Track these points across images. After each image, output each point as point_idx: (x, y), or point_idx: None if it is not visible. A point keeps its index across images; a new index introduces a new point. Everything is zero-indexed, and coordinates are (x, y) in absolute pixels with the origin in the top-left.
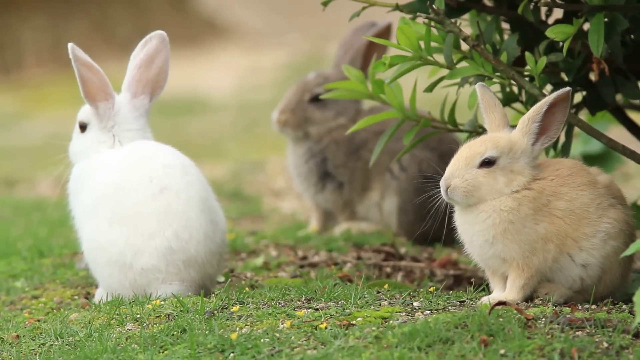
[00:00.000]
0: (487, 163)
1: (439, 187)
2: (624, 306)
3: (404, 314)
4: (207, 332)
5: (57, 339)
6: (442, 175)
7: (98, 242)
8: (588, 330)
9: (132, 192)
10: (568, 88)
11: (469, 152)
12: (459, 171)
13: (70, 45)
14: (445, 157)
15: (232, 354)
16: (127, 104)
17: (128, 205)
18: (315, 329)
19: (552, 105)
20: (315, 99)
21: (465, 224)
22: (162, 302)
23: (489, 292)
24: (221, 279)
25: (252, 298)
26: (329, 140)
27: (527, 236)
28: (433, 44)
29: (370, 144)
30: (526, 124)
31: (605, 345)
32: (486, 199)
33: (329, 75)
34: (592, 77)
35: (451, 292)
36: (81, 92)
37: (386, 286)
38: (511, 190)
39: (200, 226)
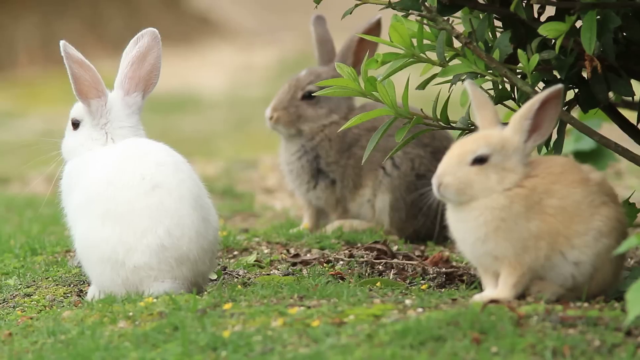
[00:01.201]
0: (480, 160)
1: (432, 185)
2: (616, 304)
3: (396, 311)
4: (199, 330)
5: (50, 336)
6: (434, 173)
7: (90, 240)
8: (580, 328)
9: (124, 190)
10: (560, 85)
11: (461, 149)
12: (451, 168)
13: (62, 42)
14: (437, 153)
15: (224, 352)
16: (119, 101)
17: (120, 202)
18: (308, 326)
19: (544, 103)
20: (308, 97)
21: (457, 222)
22: (155, 300)
23: (481, 290)
24: (213, 276)
25: (245, 296)
26: (321, 138)
27: (519, 234)
28: (425, 41)
29: (362, 141)
30: (518, 121)
31: (597, 343)
32: (478, 196)
33: (321, 72)
34: (585, 74)
35: (443, 289)
36: (73, 90)
37: (378, 284)
38: (503, 188)
39: (193, 223)
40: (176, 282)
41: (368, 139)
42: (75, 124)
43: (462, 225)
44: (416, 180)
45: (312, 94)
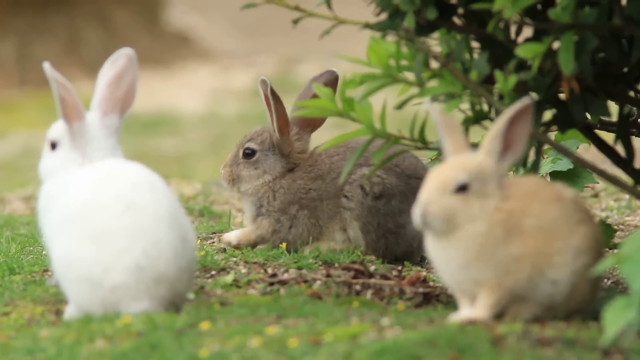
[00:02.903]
0: (461, 189)
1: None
2: (594, 324)
3: (373, 331)
4: (177, 349)
5: (28, 355)
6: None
7: (67, 260)
8: (557, 348)
9: (99, 210)
10: (528, 100)
11: (441, 177)
12: (435, 197)
13: (46, 65)
14: (389, 170)
15: None
16: (97, 122)
17: (96, 222)
18: (285, 346)
19: (512, 120)
20: (247, 155)
21: (438, 250)
22: (133, 319)
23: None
24: (191, 296)
25: (222, 315)
26: (264, 191)
27: (500, 258)
28: (403, 62)
29: (312, 192)
30: (489, 142)
31: None
32: (462, 225)
33: (265, 129)
34: (562, 95)
35: (421, 309)
36: (60, 112)
37: (356, 304)
38: (486, 214)
39: (170, 243)
40: (154, 302)
41: (318, 189)
42: (54, 145)
43: (443, 254)
44: (376, 203)
45: (249, 153)
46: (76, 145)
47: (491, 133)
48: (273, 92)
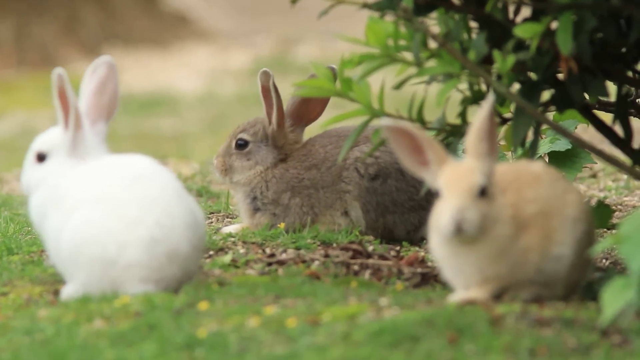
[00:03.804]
0: (482, 192)
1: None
2: (592, 304)
3: (371, 311)
4: (175, 329)
5: (26, 335)
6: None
7: (80, 240)
8: (556, 329)
9: (108, 187)
10: (492, 97)
11: (464, 183)
12: (468, 203)
13: (58, 72)
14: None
15: (200, 351)
16: (88, 130)
17: (106, 199)
18: (283, 326)
19: (490, 118)
20: (239, 146)
21: (457, 256)
22: (131, 300)
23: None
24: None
25: (220, 295)
26: (258, 181)
27: (513, 254)
28: (401, 41)
29: (305, 180)
30: (475, 145)
31: (573, 343)
32: (488, 229)
33: (258, 120)
34: (561, 75)
35: (419, 290)
36: (62, 121)
37: (354, 284)
38: (501, 215)
39: (181, 214)
40: (164, 283)
41: (312, 179)
42: (42, 157)
43: (463, 259)
44: (373, 183)
45: (241, 144)
46: (74, 154)
47: (474, 136)
48: (275, 85)
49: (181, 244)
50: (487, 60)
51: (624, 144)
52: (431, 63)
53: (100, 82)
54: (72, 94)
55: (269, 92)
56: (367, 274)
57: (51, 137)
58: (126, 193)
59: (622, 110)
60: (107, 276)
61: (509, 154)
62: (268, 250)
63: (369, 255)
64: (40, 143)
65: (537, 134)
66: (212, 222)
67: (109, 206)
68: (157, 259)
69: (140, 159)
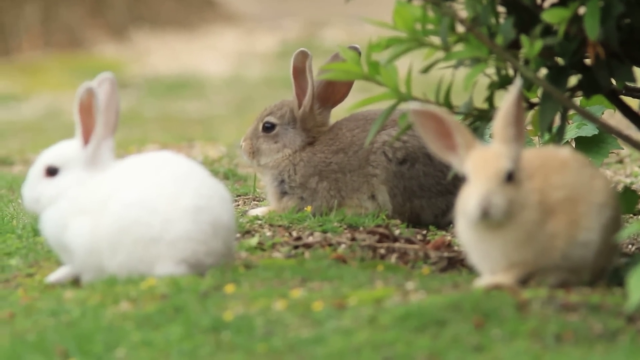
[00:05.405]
0: (509, 177)
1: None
2: (618, 290)
3: (398, 295)
4: (201, 311)
5: (52, 317)
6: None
7: (121, 225)
8: (582, 314)
9: (140, 174)
10: (519, 82)
11: (491, 168)
12: (495, 188)
13: (90, 85)
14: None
15: (226, 334)
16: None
17: (141, 182)
18: (310, 309)
19: (517, 103)
20: (267, 129)
21: (481, 241)
22: (157, 282)
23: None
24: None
25: (247, 278)
26: (285, 164)
27: (540, 239)
28: (429, 26)
29: (333, 164)
30: (503, 130)
31: (599, 328)
32: (515, 214)
33: (286, 103)
34: (588, 60)
35: (445, 274)
36: (88, 135)
37: (380, 267)
38: (529, 200)
39: (216, 185)
40: (209, 258)
41: (340, 163)
42: (53, 171)
43: (491, 244)
44: (401, 167)
45: (268, 127)
46: (91, 167)
47: (501, 121)
48: (310, 67)
49: (222, 213)
50: (515, 45)
51: None
52: (459, 47)
53: (107, 98)
54: (100, 108)
55: (301, 73)
56: (393, 258)
57: (64, 152)
58: (158, 175)
59: None
60: (149, 256)
61: (536, 139)
62: (295, 234)
63: (395, 239)
64: (50, 157)
65: (564, 119)
66: (239, 205)
67: (145, 187)
68: (202, 231)
69: (161, 152)
